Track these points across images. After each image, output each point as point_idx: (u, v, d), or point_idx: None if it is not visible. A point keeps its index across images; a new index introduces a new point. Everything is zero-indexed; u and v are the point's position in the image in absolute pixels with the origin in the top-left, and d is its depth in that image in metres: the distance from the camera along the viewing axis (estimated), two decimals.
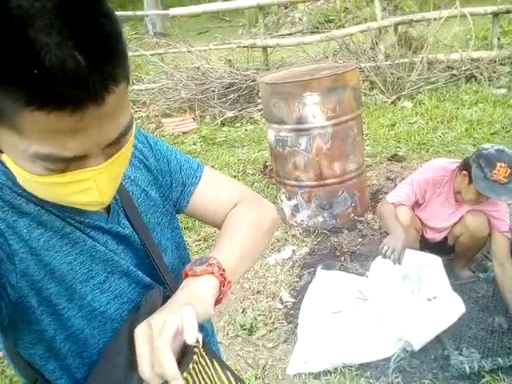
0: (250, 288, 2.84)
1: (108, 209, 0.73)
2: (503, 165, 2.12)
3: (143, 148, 0.83)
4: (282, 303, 2.67)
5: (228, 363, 2.29)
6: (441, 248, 2.62)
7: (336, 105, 3.09)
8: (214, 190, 0.90)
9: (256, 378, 2.18)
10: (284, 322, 2.52)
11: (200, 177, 0.89)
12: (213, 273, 0.71)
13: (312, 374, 2.16)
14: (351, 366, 2.17)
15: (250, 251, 0.84)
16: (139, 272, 0.73)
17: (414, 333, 2.13)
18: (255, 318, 2.56)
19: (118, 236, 0.72)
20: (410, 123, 5.05)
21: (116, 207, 0.75)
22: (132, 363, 0.61)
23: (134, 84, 7.01)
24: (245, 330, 2.49)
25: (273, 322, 2.53)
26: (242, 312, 2.62)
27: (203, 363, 0.71)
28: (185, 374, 0.64)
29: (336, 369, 2.16)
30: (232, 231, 0.84)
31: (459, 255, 2.60)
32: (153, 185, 0.83)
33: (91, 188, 0.60)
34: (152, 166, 0.83)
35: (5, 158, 0.58)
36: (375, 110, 5.58)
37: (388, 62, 6.06)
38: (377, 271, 2.30)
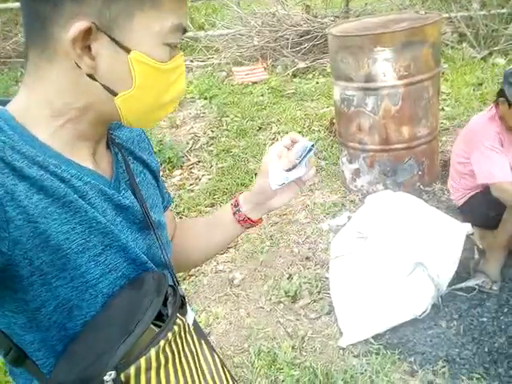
0: (299, 253, 2.75)
1: (111, 176, 0.74)
2: None
3: (150, 149, 0.89)
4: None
5: (267, 330, 2.26)
6: None
7: (410, 62, 2.79)
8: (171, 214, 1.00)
9: (293, 348, 2.12)
10: (330, 293, 2.42)
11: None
12: None
13: (352, 352, 2.08)
14: (394, 350, 2.05)
15: None
16: (136, 249, 0.72)
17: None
18: (300, 286, 2.48)
19: (118, 205, 0.71)
20: (500, 83, 4.53)
21: (119, 176, 0.74)
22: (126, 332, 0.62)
23: (207, 29, 6.89)
24: (288, 296, 2.43)
25: (318, 292, 2.45)
26: (288, 278, 2.56)
27: (189, 340, 0.72)
28: (162, 342, 0.64)
29: (378, 350, 2.06)
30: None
31: None
32: (151, 173, 0.87)
33: (183, 73, 0.70)
34: (153, 164, 0.87)
35: (133, 59, 0.62)
36: (462, 65, 5.07)
37: (483, 12, 5.43)
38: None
